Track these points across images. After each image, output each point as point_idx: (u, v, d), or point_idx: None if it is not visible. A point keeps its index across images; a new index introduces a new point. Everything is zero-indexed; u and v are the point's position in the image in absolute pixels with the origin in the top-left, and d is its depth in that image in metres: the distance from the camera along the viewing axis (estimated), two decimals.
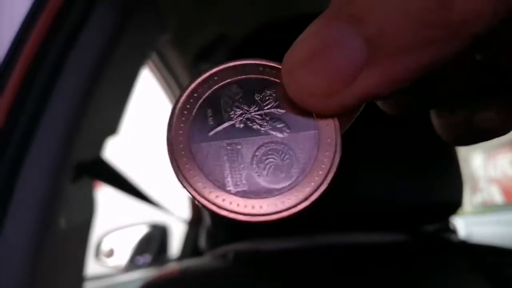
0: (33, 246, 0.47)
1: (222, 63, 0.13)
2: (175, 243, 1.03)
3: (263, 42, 0.47)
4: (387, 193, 0.41)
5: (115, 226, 0.96)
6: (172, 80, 0.78)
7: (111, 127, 0.54)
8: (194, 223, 0.95)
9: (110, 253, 0.99)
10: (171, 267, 0.47)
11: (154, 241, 1.02)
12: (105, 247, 0.93)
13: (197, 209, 1.01)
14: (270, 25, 0.49)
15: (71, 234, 0.52)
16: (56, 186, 0.47)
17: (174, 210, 0.65)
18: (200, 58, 0.70)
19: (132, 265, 1.03)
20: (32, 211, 0.46)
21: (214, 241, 0.52)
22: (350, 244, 0.44)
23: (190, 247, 0.96)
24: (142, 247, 1.06)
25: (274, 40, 0.46)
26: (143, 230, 1.05)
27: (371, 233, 0.45)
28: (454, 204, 0.42)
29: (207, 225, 0.56)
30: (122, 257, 1.02)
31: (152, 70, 0.76)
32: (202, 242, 0.56)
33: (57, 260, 0.50)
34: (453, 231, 0.49)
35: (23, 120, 0.46)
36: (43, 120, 0.46)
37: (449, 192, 0.41)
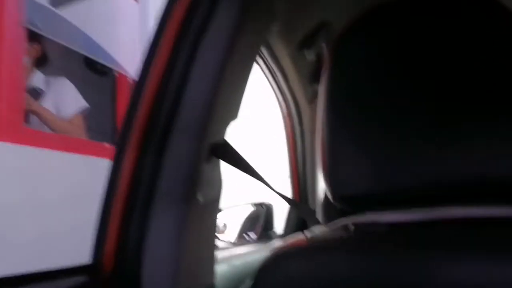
0: (178, 219, 0.54)
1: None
2: (279, 221, 1.09)
3: (365, 27, 0.47)
4: (499, 167, 0.40)
5: (226, 205, 1.04)
6: (277, 69, 0.81)
7: (233, 114, 0.59)
8: (296, 202, 0.99)
9: (223, 229, 1.07)
10: (298, 236, 0.50)
11: (260, 219, 1.09)
12: (219, 224, 1.01)
13: (298, 189, 1.05)
14: (373, 10, 0.49)
15: (205, 209, 0.58)
16: (196, 165, 0.54)
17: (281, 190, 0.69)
18: (304, 46, 0.72)
19: (240, 240, 1.11)
20: (177, 187, 0.53)
21: (331, 214, 0.55)
22: (467, 217, 0.43)
23: (293, 225, 1.00)
24: (250, 224, 1.13)
25: (376, 25, 0.46)
26: (251, 209, 1.12)
27: (487, 207, 0.44)
28: None
29: (322, 200, 0.59)
30: (232, 233, 1.10)
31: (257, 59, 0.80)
32: (319, 216, 0.59)
33: (196, 231, 0.57)
34: None
35: (165, 109, 0.53)
36: (183, 107, 0.52)
37: None
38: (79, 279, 0.51)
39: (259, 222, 1.10)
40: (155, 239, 0.53)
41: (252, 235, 1.11)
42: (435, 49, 0.43)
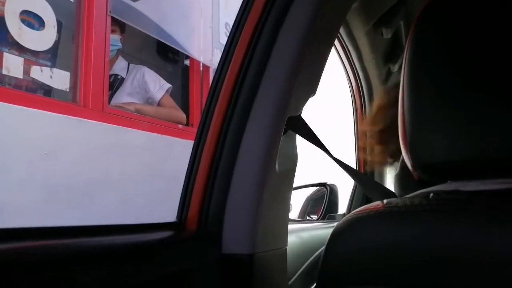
0: (256, 185, 0.56)
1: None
2: (342, 202, 1.08)
3: (446, 4, 0.46)
4: None
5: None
6: (352, 47, 0.81)
7: (312, 90, 0.60)
8: (364, 176, 0.97)
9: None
10: (375, 203, 0.50)
11: (323, 199, 1.09)
12: None
13: (364, 167, 1.03)
14: None
15: (281, 178, 0.60)
16: (274, 136, 0.56)
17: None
18: (382, 24, 0.71)
19: (305, 218, 1.12)
20: (257, 155, 0.55)
21: (407, 186, 0.54)
22: None
23: (358, 204, 0.99)
24: (312, 205, 1.14)
25: (457, 2, 0.44)
26: (313, 189, 1.13)
27: None
28: None
29: (399, 172, 0.58)
30: (296, 211, 1.12)
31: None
32: (394, 188, 0.58)
33: (272, 198, 0.59)
34: None
35: (248, 83, 0.55)
36: (265, 82, 0.54)
37: None
38: (166, 233, 0.56)
39: (321, 202, 1.10)
40: (235, 203, 0.56)
41: (316, 215, 1.12)
42: None
